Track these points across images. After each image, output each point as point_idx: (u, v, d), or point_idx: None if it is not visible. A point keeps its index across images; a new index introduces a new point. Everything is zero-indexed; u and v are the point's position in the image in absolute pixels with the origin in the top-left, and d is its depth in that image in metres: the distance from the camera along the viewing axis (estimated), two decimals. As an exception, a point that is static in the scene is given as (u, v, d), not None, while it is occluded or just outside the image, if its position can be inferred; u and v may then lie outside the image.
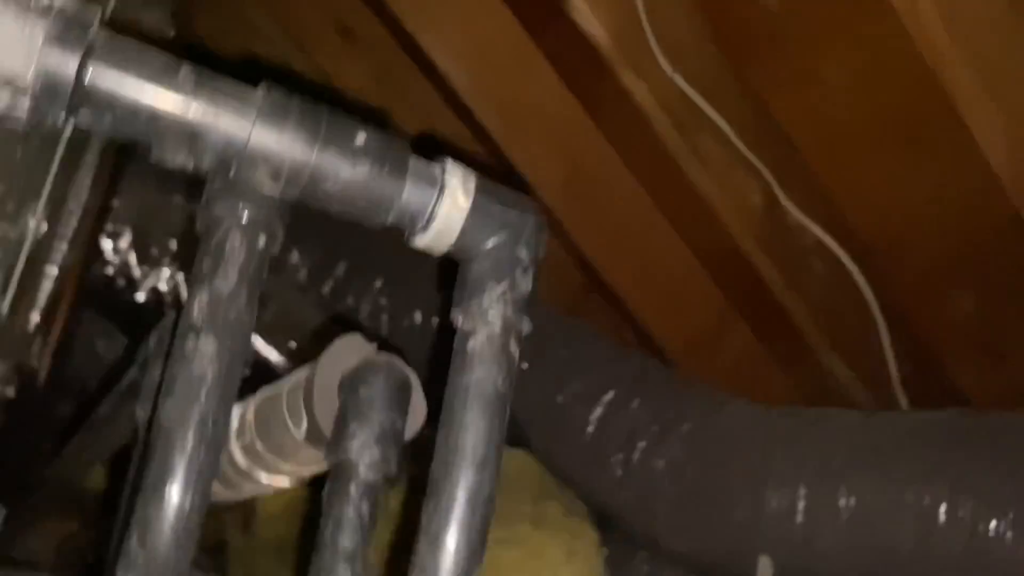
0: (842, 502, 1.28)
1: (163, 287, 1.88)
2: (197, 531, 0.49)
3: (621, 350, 1.87)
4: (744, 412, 1.57)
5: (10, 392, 1.60)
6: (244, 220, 0.52)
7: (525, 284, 0.57)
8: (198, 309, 0.51)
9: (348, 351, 0.66)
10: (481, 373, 0.56)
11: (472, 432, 0.55)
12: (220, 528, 2.30)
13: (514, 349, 0.57)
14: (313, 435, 0.65)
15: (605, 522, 1.70)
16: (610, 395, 1.71)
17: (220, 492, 0.77)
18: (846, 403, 1.80)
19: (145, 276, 1.84)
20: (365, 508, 0.61)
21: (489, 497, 0.56)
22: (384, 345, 0.67)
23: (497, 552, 1.58)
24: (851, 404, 1.80)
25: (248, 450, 0.71)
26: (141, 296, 1.84)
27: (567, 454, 1.75)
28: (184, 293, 1.90)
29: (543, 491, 1.71)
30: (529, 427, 1.85)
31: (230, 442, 0.72)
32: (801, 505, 1.32)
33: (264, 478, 0.74)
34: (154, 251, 1.86)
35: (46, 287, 1.41)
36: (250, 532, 2.12)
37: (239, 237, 0.52)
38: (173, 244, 1.86)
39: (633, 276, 2.00)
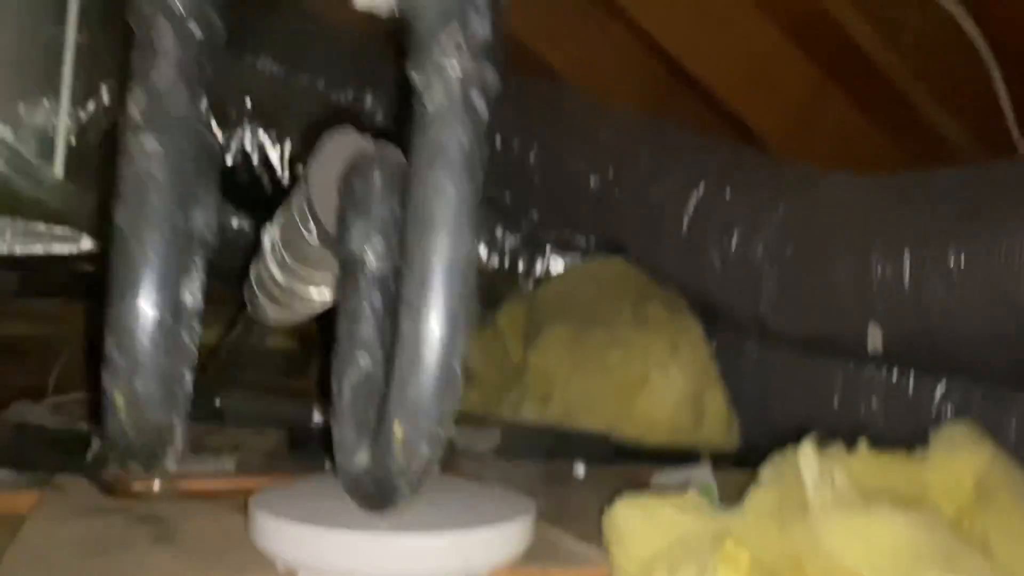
0: (951, 260, 1.22)
1: (248, 147, 1.92)
2: (183, 334, 0.49)
3: (709, 142, 1.79)
4: (843, 184, 1.49)
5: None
6: (174, 11, 0.49)
7: (482, 27, 0.51)
8: (136, 108, 0.49)
9: (341, 145, 0.64)
10: (442, 130, 0.52)
11: (440, 195, 0.52)
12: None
13: (479, 103, 0.52)
14: (322, 235, 0.64)
15: (711, 314, 1.70)
16: (701, 188, 1.66)
17: (277, 313, 0.79)
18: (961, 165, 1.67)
19: (228, 140, 1.88)
20: (376, 299, 0.61)
21: (467, 264, 0.53)
22: (383, 136, 0.65)
23: (601, 355, 1.61)
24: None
25: (283, 266, 0.73)
26: (230, 160, 1.89)
27: (664, 253, 1.73)
28: (270, 152, 1.94)
29: (643, 293, 1.71)
30: (625, 232, 1.83)
31: (268, 262, 0.74)
32: (908, 268, 1.27)
33: (308, 292, 0.75)
34: (232, 113, 1.89)
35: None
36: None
37: (170, 30, 0.49)
38: (248, 103, 1.89)
39: (716, 61, 1.88)
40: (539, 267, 2.10)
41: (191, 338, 0.50)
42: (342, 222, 0.61)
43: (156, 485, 0.93)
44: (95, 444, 1.10)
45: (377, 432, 0.49)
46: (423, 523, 0.75)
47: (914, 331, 1.30)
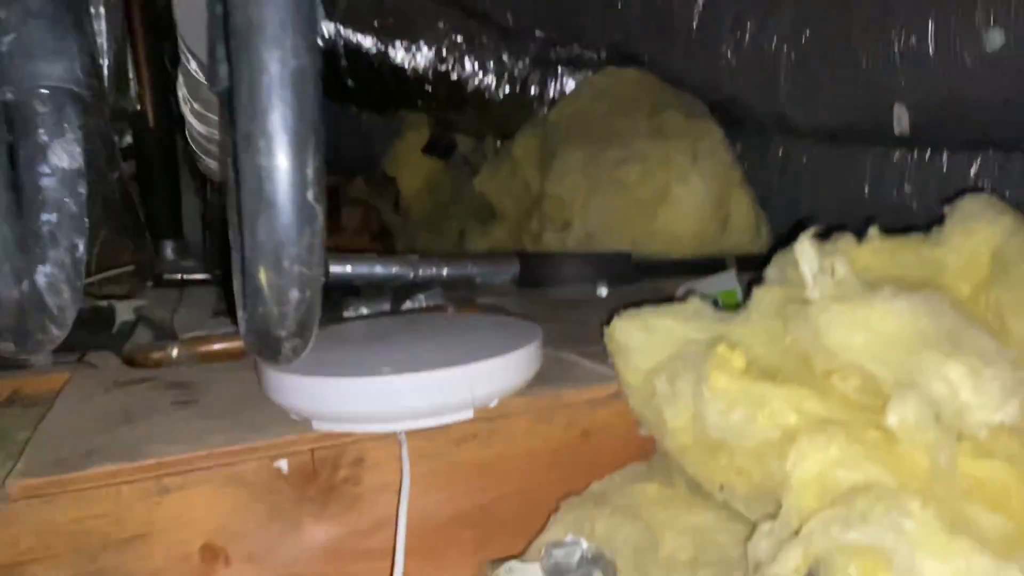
0: (979, 21, 1.12)
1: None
2: (65, 199, 0.45)
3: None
4: (862, -47, 1.36)
5: (128, 139, 1.69)
6: None
7: None
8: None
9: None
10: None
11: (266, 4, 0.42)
12: (380, 217, 2.44)
13: None
14: (203, 71, 0.59)
15: (732, 115, 1.62)
16: (710, -20, 1.54)
17: (217, 171, 0.76)
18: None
19: None
20: None
21: (302, 77, 0.43)
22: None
23: (619, 173, 1.56)
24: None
25: (196, 115, 0.69)
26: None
27: (677, 56, 1.64)
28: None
29: (659, 102, 1.63)
30: (634, 38, 1.73)
31: (186, 114, 0.70)
32: (932, 37, 1.17)
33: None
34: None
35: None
36: (402, 213, 2.24)
37: None
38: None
39: None
40: (552, 89, 2.02)
41: (76, 202, 0.47)
42: (211, 55, 0.54)
43: (175, 352, 0.95)
44: (118, 318, 1.12)
45: (245, 283, 0.45)
46: (427, 361, 0.74)
47: (942, 106, 1.22)
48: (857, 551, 0.45)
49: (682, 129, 1.55)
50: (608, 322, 0.76)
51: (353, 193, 2.42)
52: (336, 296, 1.14)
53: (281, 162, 0.42)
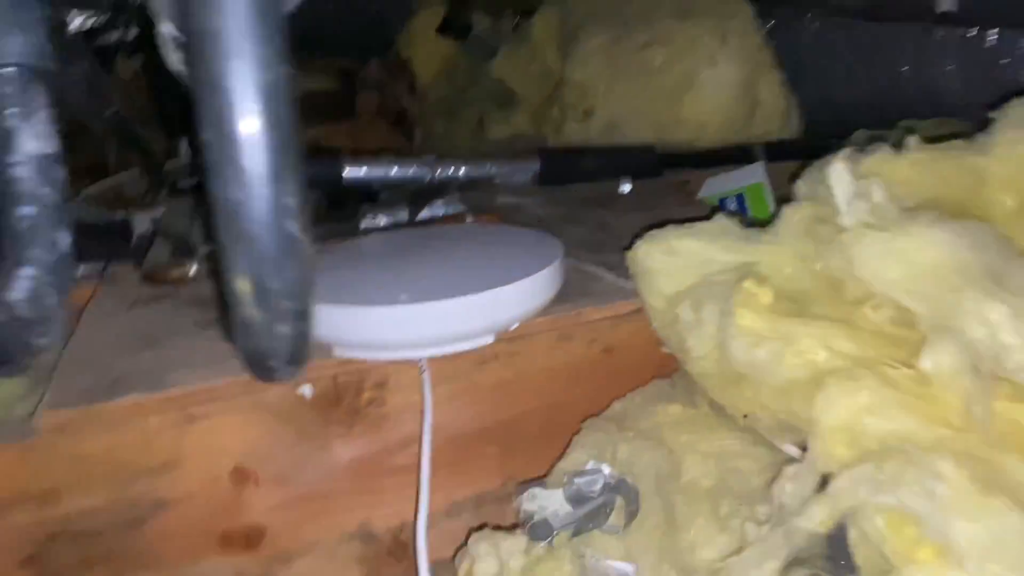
0: None
1: None
2: (39, 186, 0.42)
3: None
4: None
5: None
6: None
7: None
8: None
9: None
10: None
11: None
12: (398, 102, 2.38)
13: None
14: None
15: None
16: None
17: None
18: None
19: None
20: None
21: (275, 89, 0.38)
22: None
23: (643, 58, 1.48)
24: None
25: (175, 43, 0.64)
26: None
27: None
28: None
29: (685, -23, 1.53)
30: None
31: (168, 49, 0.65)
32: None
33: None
34: None
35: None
36: (418, 97, 2.17)
37: None
38: None
39: None
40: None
41: (52, 188, 0.43)
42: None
43: (193, 269, 0.94)
44: (136, 230, 1.11)
45: (232, 312, 0.42)
46: (447, 286, 0.73)
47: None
48: (887, 508, 0.44)
49: (710, 7, 1.46)
50: (630, 246, 0.73)
51: (368, 77, 2.35)
52: (352, 204, 1.12)
53: (256, 194, 0.38)
